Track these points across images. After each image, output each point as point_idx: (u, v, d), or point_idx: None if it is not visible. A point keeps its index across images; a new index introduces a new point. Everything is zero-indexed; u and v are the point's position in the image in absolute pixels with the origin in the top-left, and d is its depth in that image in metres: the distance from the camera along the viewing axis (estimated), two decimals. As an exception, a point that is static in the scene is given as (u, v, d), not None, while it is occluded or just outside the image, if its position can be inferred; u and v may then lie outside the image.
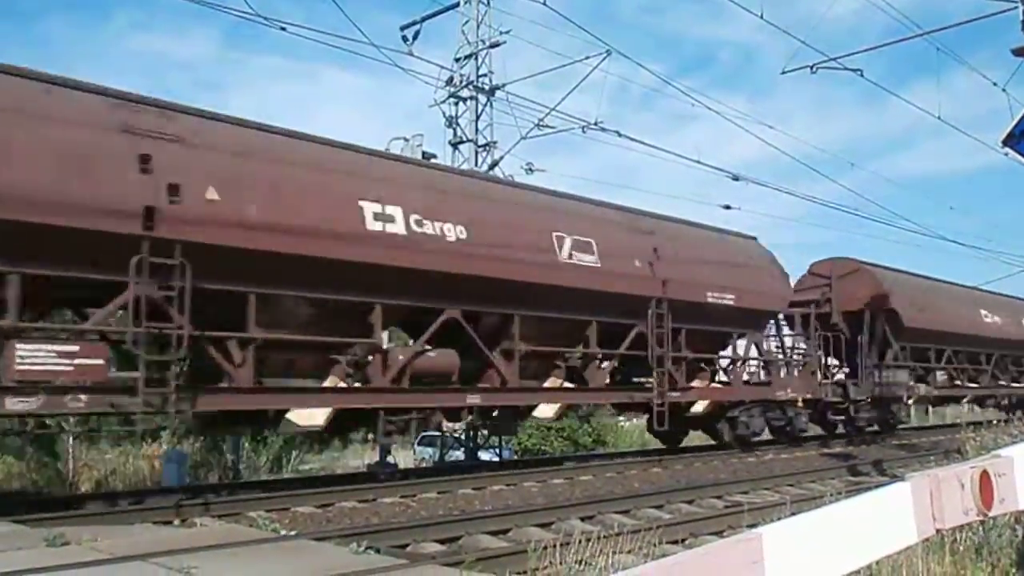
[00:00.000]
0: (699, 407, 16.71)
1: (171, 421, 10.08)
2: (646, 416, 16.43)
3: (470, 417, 13.57)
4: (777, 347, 19.44)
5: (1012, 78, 12.05)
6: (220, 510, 9.69)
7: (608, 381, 15.12)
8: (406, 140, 20.53)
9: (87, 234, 8.66)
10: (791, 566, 2.55)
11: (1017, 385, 26.09)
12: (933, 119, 19.12)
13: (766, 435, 19.06)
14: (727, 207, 24.45)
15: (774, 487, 13.01)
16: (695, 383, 16.47)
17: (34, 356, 8.40)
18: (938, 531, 3.18)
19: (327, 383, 11.21)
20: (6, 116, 8.56)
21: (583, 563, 6.22)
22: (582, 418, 23.90)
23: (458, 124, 22.10)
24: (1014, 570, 6.13)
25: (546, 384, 14.13)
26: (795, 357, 19.55)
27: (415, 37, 21.10)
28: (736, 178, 20.34)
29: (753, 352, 18.38)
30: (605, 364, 14.86)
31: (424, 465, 20.35)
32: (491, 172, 21.61)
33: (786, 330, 19.72)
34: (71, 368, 8.57)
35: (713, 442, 18.62)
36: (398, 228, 11.29)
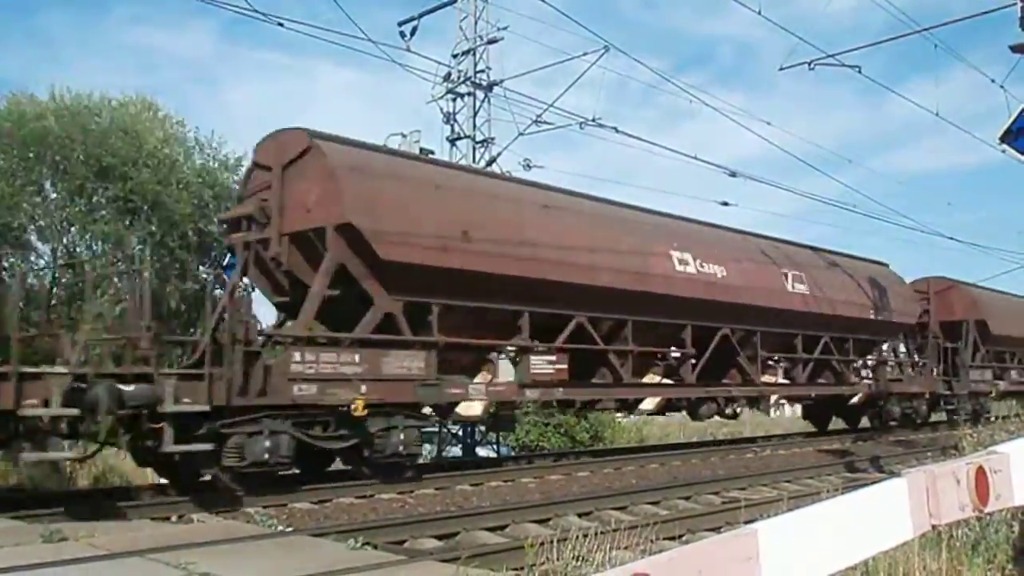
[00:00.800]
0: (856, 399, 21.50)
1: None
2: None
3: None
4: (904, 352, 24.14)
5: (1010, 75, 12.05)
6: (218, 506, 9.68)
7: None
8: (404, 136, 20.53)
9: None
10: (787, 562, 2.56)
11: None
12: (931, 116, 19.20)
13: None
14: (725, 203, 24.42)
15: (771, 483, 13.03)
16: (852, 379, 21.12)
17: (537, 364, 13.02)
18: (934, 527, 3.19)
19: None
20: None
21: (580, 559, 6.23)
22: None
23: (456, 120, 22.12)
24: (1010, 566, 6.14)
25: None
26: (920, 360, 23.84)
27: (413, 33, 21.12)
28: (734, 174, 20.29)
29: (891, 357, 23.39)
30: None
31: (422, 461, 20.33)
32: (489, 168, 21.62)
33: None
34: (553, 371, 13.29)
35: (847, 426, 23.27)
36: (692, 270, 15.85)
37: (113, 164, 17.86)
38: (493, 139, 22.04)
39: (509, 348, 12.99)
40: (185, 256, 18.57)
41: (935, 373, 23.40)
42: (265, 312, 12.95)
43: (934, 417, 24.56)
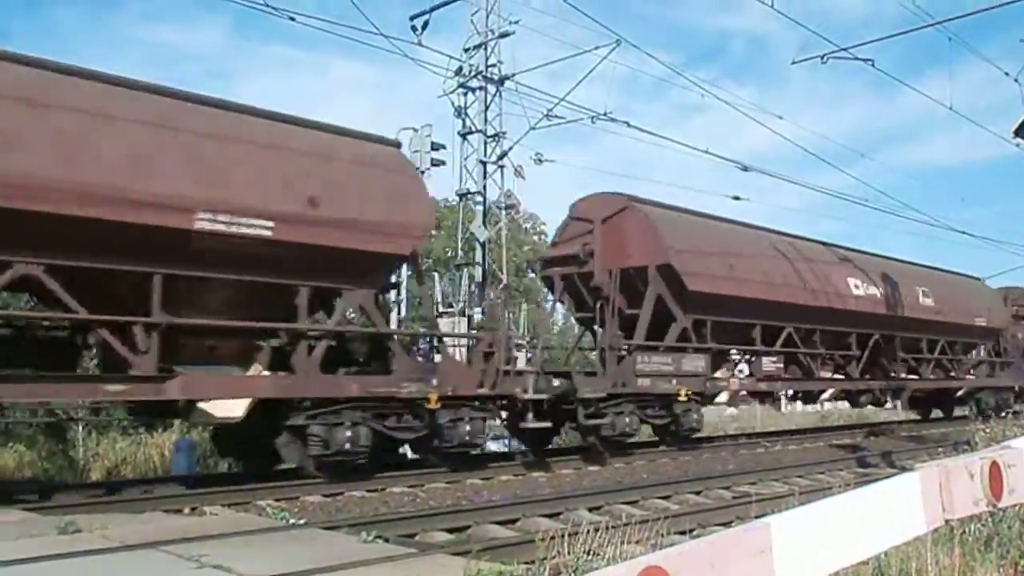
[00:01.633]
0: (961, 391, 25.44)
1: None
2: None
3: None
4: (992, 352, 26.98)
5: (1025, 68, 11.93)
6: (229, 499, 9.74)
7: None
8: (415, 130, 20.56)
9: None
10: (799, 556, 2.55)
11: None
12: (945, 109, 19.08)
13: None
14: (736, 198, 24.24)
15: (782, 478, 13.01)
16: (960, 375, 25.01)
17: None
18: (947, 522, 3.18)
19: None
20: None
21: (591, 553, 6.22)
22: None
23: (467, 114, 22.10)
24: (1023, 562, 6.11)
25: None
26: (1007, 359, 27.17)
27: (424, 27, 21.03)
28: (746, 168, 20.23)
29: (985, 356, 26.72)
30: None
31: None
32: (500, 162, 21.62)
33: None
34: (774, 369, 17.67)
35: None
36: (859, 293, 20.12)
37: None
38: (504, 133, 22.02)
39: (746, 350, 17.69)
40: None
41: (1021, 368, 27.32)
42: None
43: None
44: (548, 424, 14.08)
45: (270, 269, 10.35)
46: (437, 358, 14.21)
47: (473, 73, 21.86)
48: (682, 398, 15.37)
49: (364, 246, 11.09)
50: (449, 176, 21.99)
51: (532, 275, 18.88)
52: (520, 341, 16.35)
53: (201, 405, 10.17)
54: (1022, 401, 26.19)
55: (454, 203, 25.82)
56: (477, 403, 12.68)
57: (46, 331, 10.51)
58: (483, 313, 17.09)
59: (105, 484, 12.63)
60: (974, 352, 26.35)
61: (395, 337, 12.68)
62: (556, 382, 13.73)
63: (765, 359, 17.60)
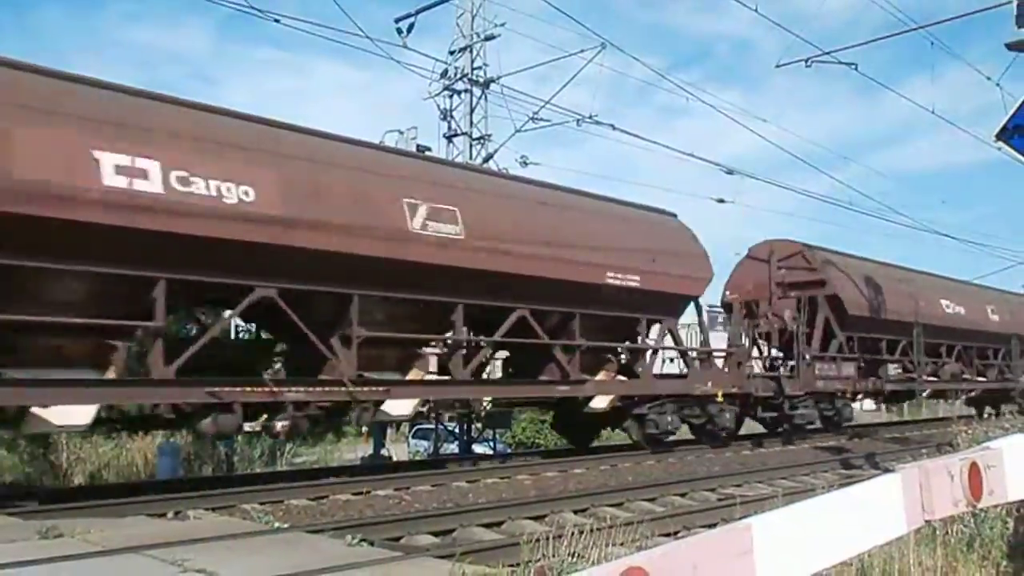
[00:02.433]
0: (1015, 392, 27.93)
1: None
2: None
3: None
4: None
5: (1006, 72, 12.04)
6: (214, 503, 9.69)
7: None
8: (401, 133, 20.57)
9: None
10: (781, 557, 2.56)
11: None
12: (927, 113, 19.29)
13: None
14: (721, 201, 24.44)
15: (767, 480, 13.05)
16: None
17: None
18: (928, 522, 3.21)
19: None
20: None
21: (576, 555, 6.23)
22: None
23: (452, 117, 22.13)
24: (1005, 562, 6.16)
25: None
26: None
27: (409, 30, 21.07)
28: (730, 172, 20.42)
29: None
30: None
31: (418, 458, 20.37)
32: (485, 165, 21.62)
33: None
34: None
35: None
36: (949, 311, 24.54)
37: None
38: (490, 136, 22.06)
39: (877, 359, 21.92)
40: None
41: None
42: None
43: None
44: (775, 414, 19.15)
45: (628, 307, 15.29)
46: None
47: (458, 76, 21.89)
48: (848, 395, 20.59)
49: (676, 290, 16.20)
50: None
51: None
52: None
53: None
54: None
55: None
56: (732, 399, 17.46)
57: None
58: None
59: (87, 488, 12.55)
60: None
61: (690, 352, 17.38)
62: (772, 384, 18.47)
63: (891, 366, 22.19)
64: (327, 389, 11.01)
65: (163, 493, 10.51)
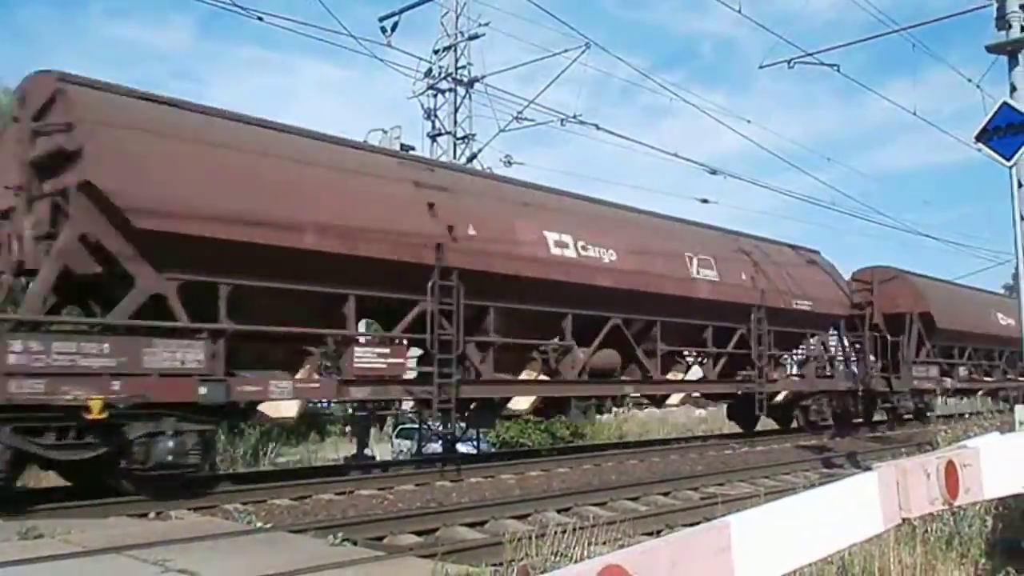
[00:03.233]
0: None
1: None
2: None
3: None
4: None
5: (987, 75, 12.13)
6: (196, 503, 9.64)
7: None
8: (384, 132, 20.53)
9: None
10: (759, 554, 2.59)
11: None
12: (909, 115, 19.30)
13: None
14: (704, 201, 24.53)
15: (749, 479, 13.10)
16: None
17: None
18: (904, 520, 3.24)
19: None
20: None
21: (558, 554, 6.25)
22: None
23: (437, 116, 22.13)
24: (984, 560, 6.22)
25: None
26: None
27: (394, 28, 21.05)
28: (714, 172, 20.45)
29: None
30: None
31: (402, 458, 20.33)
32: (469, 164, 21.61)
33: None
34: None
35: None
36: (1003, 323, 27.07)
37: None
38: (474, 135, 22.09)
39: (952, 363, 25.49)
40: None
41: None
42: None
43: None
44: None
45: (801, 324, 19.97)
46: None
47: (443, 75, 21.88)
48: (937, 393, 23.77)
49: (831, 311, 21.09)
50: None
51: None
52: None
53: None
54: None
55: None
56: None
57: None
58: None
59: (68, 488, 12.45)
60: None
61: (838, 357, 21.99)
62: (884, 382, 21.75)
63: (961, 369, 25.16)
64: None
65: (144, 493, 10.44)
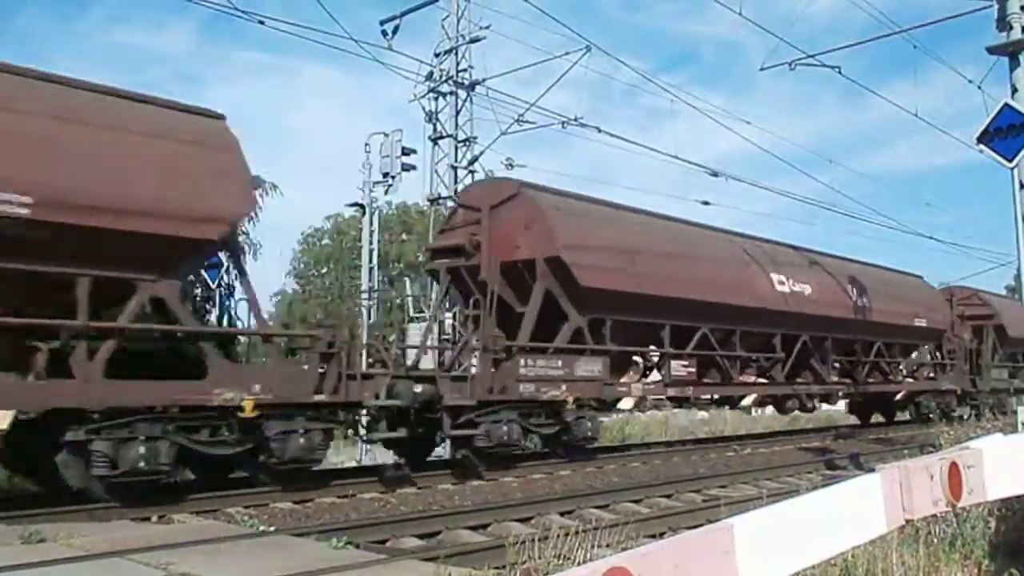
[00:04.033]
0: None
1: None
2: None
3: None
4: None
5: (988, 76, 12.13)
6: (198, 506, 9.64)
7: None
8: (386, 135, 20.55)
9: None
10: (763, 556, 2.58)
11: None
12: (911, 116, 19.29)
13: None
14: (706, 203, 24.56)
15: (752, 481, 13.10)
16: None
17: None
18: (908, 521, 3.23)
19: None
20: None
21: (561, 557, 6.24)
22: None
23: (438, 119, 22.08)
24: (987, 562, 6.20)
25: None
26: None
27: (395, 32, 21.06)
28: (715, 174, 20.52)
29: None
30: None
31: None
32: (471, 167, 21.62)
33: None
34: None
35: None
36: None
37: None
38: (475, 138, 22.04)
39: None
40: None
41: None
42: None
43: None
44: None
45: (915, 337, 25.18)
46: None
47: (444, 78, 21.86)
48: (1010, 392, 24.27)
49: (936, 326, 25.42)
50: (420, 181, 22.05)
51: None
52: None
53: None
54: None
55: (425, 208, 25.79)
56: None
57: None
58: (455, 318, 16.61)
59: (71, 492, 12.44)
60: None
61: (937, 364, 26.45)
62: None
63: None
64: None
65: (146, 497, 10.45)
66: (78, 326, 9.00)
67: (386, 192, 22.41)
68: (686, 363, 16.33)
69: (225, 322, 14.37)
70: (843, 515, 2.93)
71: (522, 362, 13.31)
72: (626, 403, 15.85)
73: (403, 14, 21.27)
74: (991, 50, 10.53)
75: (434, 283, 16.45)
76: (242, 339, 13.05)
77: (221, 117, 10.80)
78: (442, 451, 15.54)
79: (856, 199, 59.52)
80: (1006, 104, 9.93)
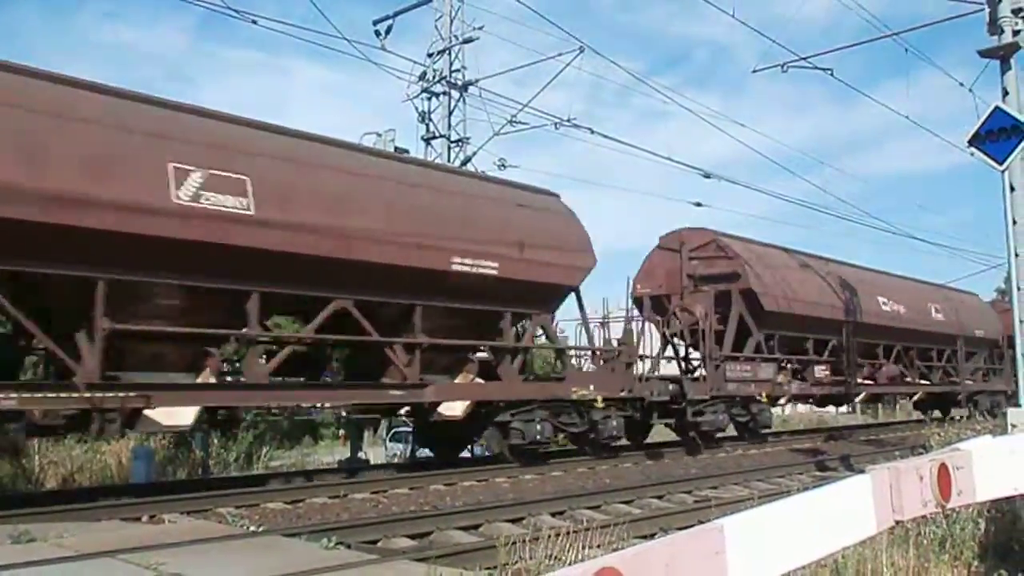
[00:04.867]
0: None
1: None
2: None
3: None
4: None
5: (979, 79, 12.16)
6: (189, 506, 9.63)
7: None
8: (378, 135, 20.52)
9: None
10: (753, 557, 2.59)
11: None
12: (902, 119, 19.42)
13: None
14: (698, 204, 24.80)
15: (743, 482, 13.13)
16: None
17: None
18: (898, 522, 3.25)
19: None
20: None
21: (553, 558, 6.25)
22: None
23: (431, 119, 22.11)
24: (976, 563, 6.24)
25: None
26: None
27: (388, 32, 21.09)
28: (707, 175, 20.52)
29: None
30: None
31: (395, 461, 20.31)
32: (464, 168, 21.62)
33: None
34: None
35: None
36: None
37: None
38: (468, 139, 22.08)
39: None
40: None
41: None
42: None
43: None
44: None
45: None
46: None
47: (437, 78, 21.88)
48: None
49: (992, 336, 29.16)
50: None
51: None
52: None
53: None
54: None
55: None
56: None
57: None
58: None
59: (60, 492, 12.42)
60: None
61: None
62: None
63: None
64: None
65: (137, 497, 10.43)
66: (508, 347, 14.18)
67: (379, 192, 22.35)
68: (824, 368, 21.06)
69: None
70: (833, 516, 2.94)
71: (728, 367, 17.97)
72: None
73: (396, 14, 21.33)
74: (982, 53, 10.54)
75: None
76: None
77: (557, 195, 15.93)
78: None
79: (848, 201, 59.64)
80: (997, 107, 9.94)
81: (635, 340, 16.33)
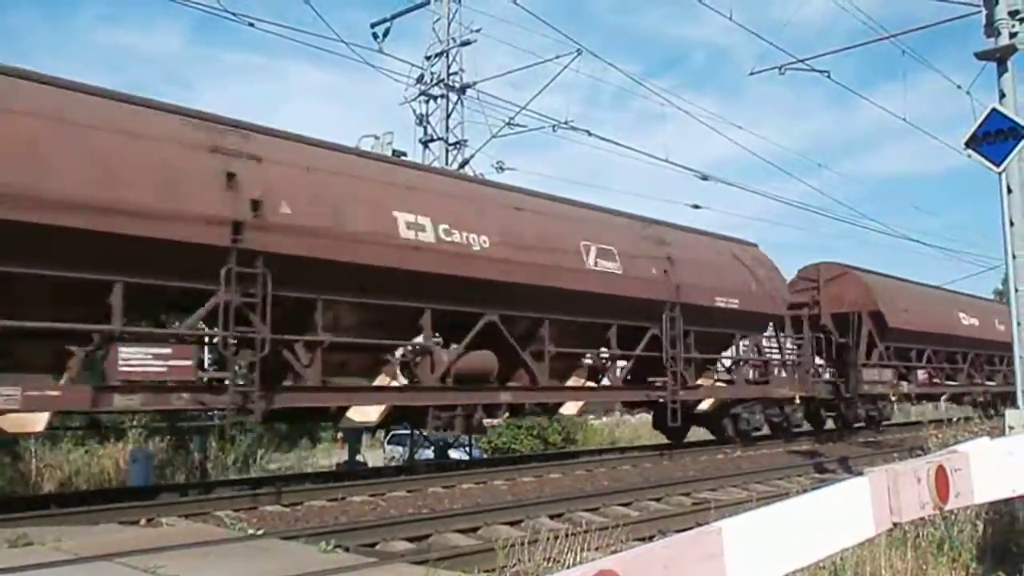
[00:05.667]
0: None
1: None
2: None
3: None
4: None
5: (976, 81, 12.18)
6: (187, 509, 9.62)
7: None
8: (376, 138, 20.51)
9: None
10: (751, 559, 2.59)
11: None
12: (899, 121, 19.39)
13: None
14: (696, 206, 24.67)
15: (741, 484, 13.13)
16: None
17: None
18: (895, 524, 3.25)
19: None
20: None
21: (551, 560, 6.25)
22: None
23: (428, 122, 22.14)
24: (974, 564, 6.24)
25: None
26: None
27: (385, 35, 21.14)
28: (705, 178, 20.56)
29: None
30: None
31: (394, 464, 20.31)
32: (461, 170, 21.63)
33: None
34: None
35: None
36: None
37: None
38: (466, 141, 22.10)
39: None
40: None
41: None
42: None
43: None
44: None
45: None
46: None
47: (434, 81, 21.91)
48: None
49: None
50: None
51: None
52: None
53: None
54: None
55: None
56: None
57: None
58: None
59: (58, 496, 12.40)
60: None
61: None
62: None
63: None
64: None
65: (135, 500, 10.42)
66: (744, 358, 19.49)
67: (377, 195, 22.36)
68: (923, 372, 25.58)
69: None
70: (832, 518, 2.94)
71: (864, 372, 22.52)
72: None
73: (394, 17, 21.38)
74: (979, 55, 10.56)
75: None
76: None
77: (756, 245, 20.23)
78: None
79: (845, 203, 59.72)
80: (994, 109, 9.95)
81: (811, 353, 21.02)
